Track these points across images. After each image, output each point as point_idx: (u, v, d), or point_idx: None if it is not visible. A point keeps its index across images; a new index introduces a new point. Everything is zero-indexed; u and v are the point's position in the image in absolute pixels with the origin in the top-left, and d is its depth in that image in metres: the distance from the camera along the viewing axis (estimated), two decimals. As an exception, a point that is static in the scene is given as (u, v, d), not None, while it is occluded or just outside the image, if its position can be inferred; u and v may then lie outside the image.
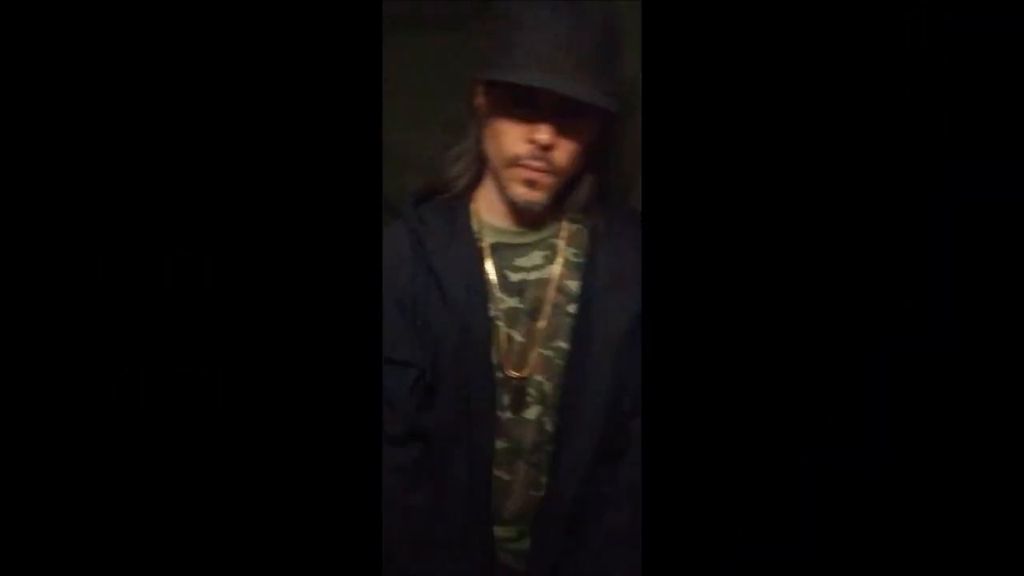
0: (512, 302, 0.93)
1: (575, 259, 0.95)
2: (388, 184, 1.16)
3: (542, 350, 0.93)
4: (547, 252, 0.95)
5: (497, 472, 0.93)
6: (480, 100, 0.92)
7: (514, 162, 0.89)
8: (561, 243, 0.96)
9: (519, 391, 0.92)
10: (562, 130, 0.87)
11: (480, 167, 0.96)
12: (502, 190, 0.92)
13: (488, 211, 0.97)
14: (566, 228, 0.96)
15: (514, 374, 0.92)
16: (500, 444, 0.93)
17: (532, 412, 0.93)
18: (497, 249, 0.95)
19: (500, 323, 0.93)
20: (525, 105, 0.86)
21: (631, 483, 0.94)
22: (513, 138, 0.88)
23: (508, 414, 0.93)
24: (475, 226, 0.96)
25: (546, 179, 0.89)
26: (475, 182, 0.97)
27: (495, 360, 0.92)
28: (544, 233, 0.96)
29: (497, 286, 0.93)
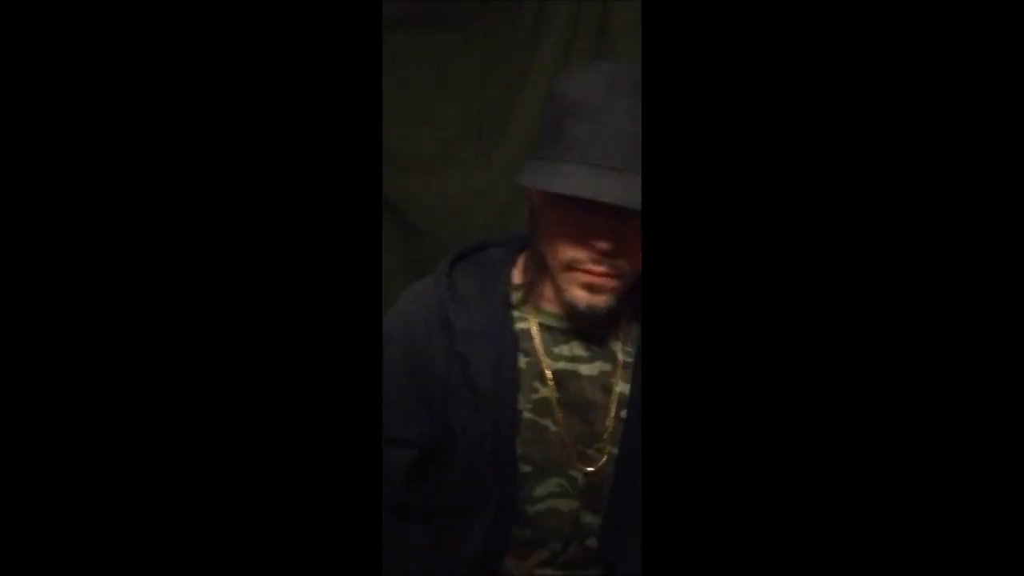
0: (545, 392, 0.85)
1: (626, 358, 0.86)
2: (388, 184, 1.17)
3: (589, 450, 0.86)
4: (594, 346, 0.87)
5: (543, 422, 0.85)
6: (532, 194, 0.84)
7: (573, 266, 0.80)
8: (610, 337, 0.87)
9: (590, 488, 0.85)
10: (625, 232, 0.78)
11: (538, 267, 0.86)
12: (559, 292, 0.83)
13: (536, 302, 0.88)
14: (623, 325, 0.87)
15: (586, 468, 0.85)
16: (543, 393, 0.85)
17: (596, 368, 0.86)
18: (540, 332, 0.86)
19: (532, 416, 0.85)
20: (582, 204, 0.76)
21: None
22: (571, 240, 0.79)
23: (564, 364, 0.86)
24: (516, 309, 0.87)
25: (610, 283, 0.80)
26: (532, 282, 0.87)
27: (522, 453, 0.85)
28: (593, 322, 0.86)
29: (534, 374, 0.85)
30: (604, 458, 0.85)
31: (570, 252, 0.79)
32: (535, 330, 0.86)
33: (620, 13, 1.18)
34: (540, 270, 0.85)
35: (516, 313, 0.87)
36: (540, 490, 0.85)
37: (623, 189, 0.73)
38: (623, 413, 0.85)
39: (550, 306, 0.87)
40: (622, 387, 0.86)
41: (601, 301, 0.80)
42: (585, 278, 0.80)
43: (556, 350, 0.86)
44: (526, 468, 0.85)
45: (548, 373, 0.85)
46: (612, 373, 0.86)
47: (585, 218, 0.77)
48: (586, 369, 0.86)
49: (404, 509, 0.88)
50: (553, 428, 0.85)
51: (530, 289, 0.87)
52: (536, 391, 0.85)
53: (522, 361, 0.85)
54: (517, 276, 0.89)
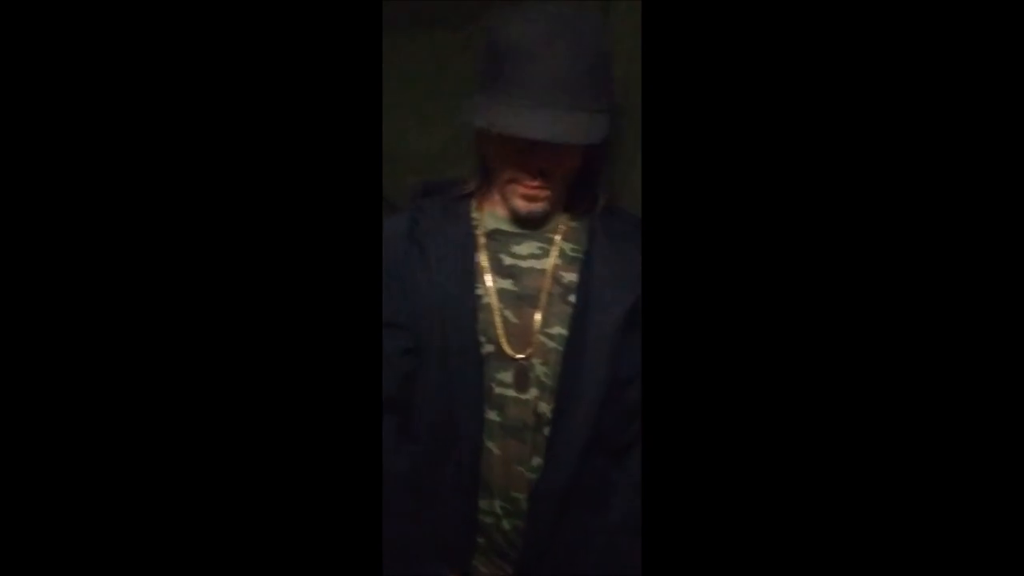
0: (505, 284, 0.97)
1: (572, 254, 0.99)
2: (388, 184, 1.17)
3: (540, 336, 0.96)
4: (543, 244, 1.00)
5: (488, 444, 0.95)
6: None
7: (512, 181, 0.95)
8: (558, 238, 1.00)
9: (522, 371, 0.95)
10: (556, 155, 0.92)
11: (484, 177, 1.01)
12: (504, 198, 0.98)
13: (490, 207, 1.01)
14: (564, 224, 1.00)
15: (517, 355, 0.95)
16: (492, 416, 0.95)
17: (530, 393, 0.95)
18: (493, 236, 1.00)
19: (491, 302, 0.96)
20: (519, 139, 0.89)
21: (633, 469, 0.96)
22: (510, 163, 0.94)
23: (510, 391, 0.95)
24: (474, 216, 1.01)
25: (543, 193, 0.96)
26: (480, 187, 1.02)
27: (485, 338, 0.95)
28: (542, 230, 1.00)
29: (489, 268, 0.98)
30: (552, 342, 0.96)
31: (511, 172, 0.95)
32: (487, 234, 1.00)
33: (620, 13, 1.18)
34: (490, 184, 1.01)
35: (475, 218, 1.01)
36: (501, 376, 0.96)
37: (555, 125, 0.87)
38: (570, 297, 0.97)
39: (499, 218, 1.01)
40: (570, 277, 0.98)
41: (538, 207, 0.96)
42: (523, 190, 0.95)
43: (513, 248, 0.99)
44: (488, 348, 0.96)
45: (505, 265, 0.99)
46: (561, 266, 0.99)
47: (523, 146, 0.91)
48: (539, 264, 0.99)
49: (393, 402, 0.96)
50: (515, 320, 0.97)
51: (483, 199, 1.02)
52: (497, 282, 0.98)
53: (481, 258, 0.99)
54: (475, 200, 1.03)
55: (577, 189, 1.00)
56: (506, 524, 0.96)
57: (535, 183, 0.94)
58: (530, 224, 0.99)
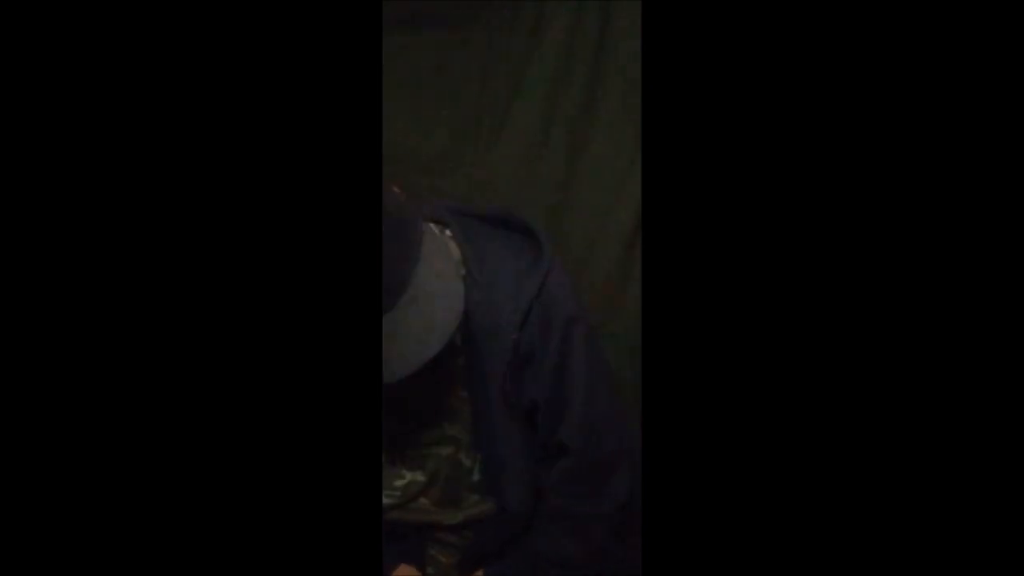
0: None
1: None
2: (388, 184, 1.16)
3: (444, 401, 0.95)
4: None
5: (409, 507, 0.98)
6: None
7: None
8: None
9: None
10: None
11: None
12: None
13: None
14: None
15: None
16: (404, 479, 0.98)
17: (441, 450, 0.96)
18: None
19: None
20: None
21: (561, 472, 0.96)
22: None
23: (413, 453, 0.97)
24: None
25: None
26: None
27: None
28: None
29: None
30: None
31: None
32: None
33: (620, 13, 1.18)
34: None
35: None
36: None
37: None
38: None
39: None
40: (468, 462, 0.97)
41: None
42: None
43: None
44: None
45: None
46: (455, 453, 0.96)
47: None
48: None
49: None
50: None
51: None
52: None
53: None
54: None
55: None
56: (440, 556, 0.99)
57: None
58: None
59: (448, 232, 0.96)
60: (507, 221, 0.99)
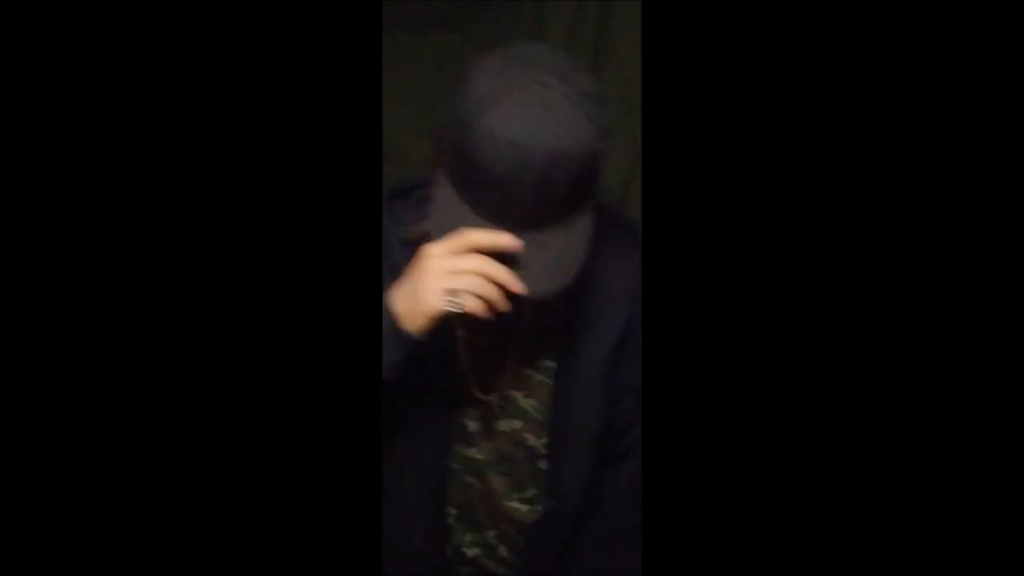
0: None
1: (538, 415, 0.92)
2: (388, 184, 1.17)
3: (525, 368, 0.90)
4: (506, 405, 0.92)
5: (468, 479, 0.92)
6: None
7: None
8: (518, 394, 0.91)
9: (489, 411, 0.90)
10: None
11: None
12: None
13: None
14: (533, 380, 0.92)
15: (482, 396, 0.89)
16: (470, 453, 0.91)
17: (507, 425, 0.91)
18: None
19: (460, 335, 0.88)
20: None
21: (632, 482, 0.93)
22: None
23: (480, 427, 0.91)
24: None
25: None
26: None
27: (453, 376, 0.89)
28: None
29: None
30: (539, 375, 0.90)
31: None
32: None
33: (620, 13, 1.18)
34: None
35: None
36: (471, 414, 0.90)
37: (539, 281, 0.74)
38: (541, 325, 0.88)
39: None
40: (534, 441, 0.91)
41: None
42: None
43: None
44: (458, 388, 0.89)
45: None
46: (522, 429, 0.91)
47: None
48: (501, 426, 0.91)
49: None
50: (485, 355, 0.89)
51: None
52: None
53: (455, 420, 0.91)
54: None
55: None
56: (503, 550, 0.94)
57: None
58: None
59: None
60: (610, 213, 0.92)
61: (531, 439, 0.91)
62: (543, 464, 0.91)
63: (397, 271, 0.80)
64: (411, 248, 0.80)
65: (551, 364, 0.89)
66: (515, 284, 0.73)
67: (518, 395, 0.90)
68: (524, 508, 0.92)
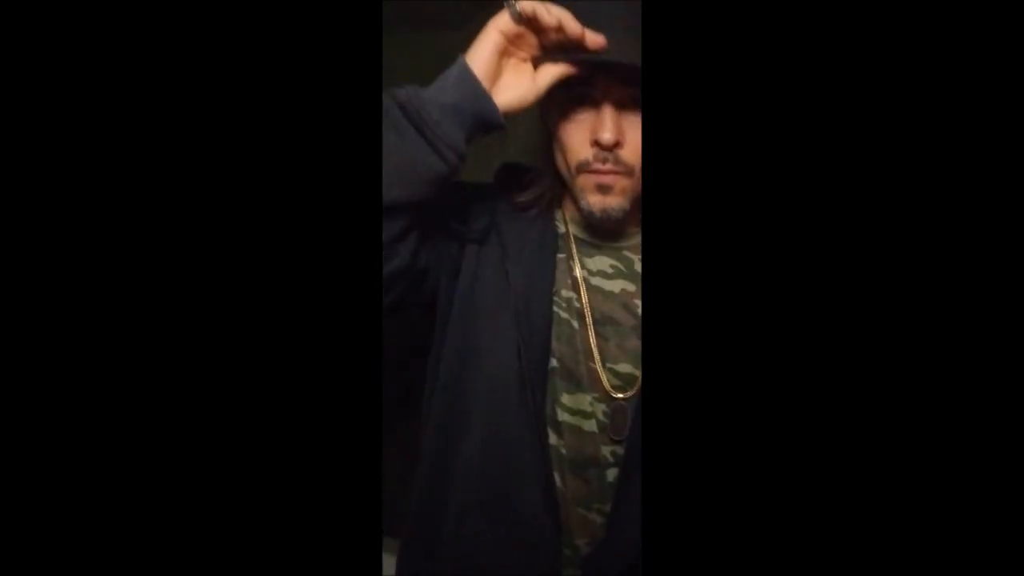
0: (577, 299, 0.87)
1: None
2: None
3: (604, 373, 0.87)
4: (617, 264, 0.89)
5: (553, 474, 0.86)
6: (546, 112, 0.88)
7: (583, 169, 0.84)
8: (636, 258, 0.89)
9: (616, 410, 0.86)
10: (627, 125, 0.82)
11: (557, 187, 0.91)
12: (579, 206, 0.86)
13: (572, 223, 0.91)
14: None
15: (615, 394, 0.85)
16: (554, 443, 0.86)
17: (591, 424, 0.87)
18: (577, 242, 0.90)
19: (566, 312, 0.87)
20: (586, 102, 0.82)
21: None
22: (578, 143, 0.83)
23: (575, 419, 0.86)
24: (555, 218, 0.91)
25: (620, 181, 0.83)
26: (554, 202, 0.92)
27: (562, 352, 0.86)
28: (621, 242, 0.90)
29: (583, 284, 0.88)
30: (633, 390, 0.86)
31: (579, 155, 0.83)
32: (571, 234, 0.90)
33: (620, 13, 1.18)
34: (562, 186, 0.90)
35: (557, 216, 0.91)
36: (567, 400, 0.86)
37: (619, 54, 0.77)
38: (636, 329, 0.86)
39: (576, 217, 0.90)
40: (639, 304, 0.87)
41: (614, 203, 0.83)
42: (595, 179, 0.83)
43: (586, 261, 0.89)
44: (554, 364, 0.86)
45: (579, 278, 0.88)
46: (635, 293, 0.87)
47: (587, 116, 0.82)
48: (609, 286, 0.88)
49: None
50: (579, 340, 0.86)
51: (556, 202, 0.91)
52: (568, 297, 0.88)
53: (560, 260, 0.88)
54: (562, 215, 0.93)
55: None
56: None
57: (608, 166, 0.82)
58: (608, 228, 0.87)
59: None
60: None
61: (603, 449, 0.86)
62: (613, 475, 0.86)
63: (507, 256, 0.86)
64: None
65: (633, 372, 0.86)
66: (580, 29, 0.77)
67: (592, 397, 0.87)
68: (599, 521, 0.86)
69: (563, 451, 0.86)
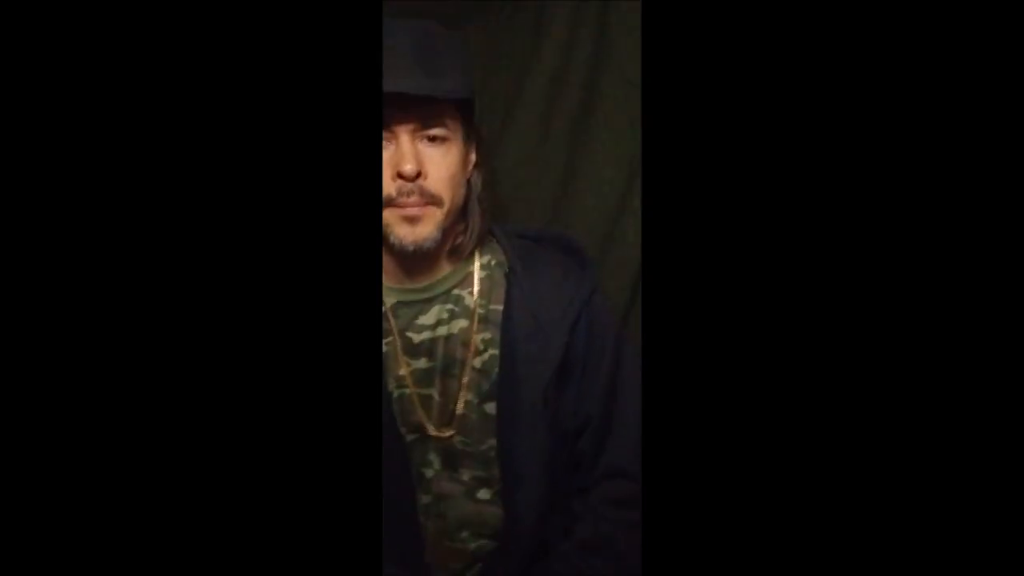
0: (419, 364, 0.90)
1: (482, 310, 0.91)
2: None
3: (466, 412, 0.90)
4: (451, 306, 0.91)
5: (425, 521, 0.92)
6: None
7: (388, 203, 0.84)
8: (466, 294, 0.91)
9: (448, 450, 0.91)
10: (427, 156, 0.84)
11: None
12: (389, 244, 0.86)
13: (385, 275, 0.91)
14: (474, 274, 0.92)
15: (438, 433, 0.90)
16: (425, 499, 0.91)
17: (466, 474, 0.91)
18: (396, 309, 0.91)
19: (408, 388, 0.90)
20: (384, 138, 0.83)
21: (602, 497, 0.92)
22: (383, 180, 0.83)
23: (433, 471, 0.91)
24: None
25: (427, 211, 0.84)
26: None
27: (407, 428, 0.90)
28: (447, 284, 0.92)
29: (401, 349, 0.90)
30: (459, 413, 0.90)
31: (384, 191, 0.83)
32: (390, 308, 0.90)
33: (620, 13, 1.18)
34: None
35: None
36: (430, 459, 0.90)
37: (410, 84, 0.79)
38: (477, 363, 0.89)
39: (396, 280, 0.90)
40: (478, 338, 0.90)
41: (424, 232, 0.84)
42: (400, 212, 0.83)
43: (419, 321, 0.90)
44: (412, 437, 0.90)
45: (416, 344, 0.90)
46: (469, 328, 0.90)
47: (387, 152, 0.82)
48: (447, 330, 0.90)
49: None
50: (437, 398, 0.90)
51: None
52: (408, 365, 0.90)
53: (384, 343, 0.89)
54: None
55: (469, 222, 0.90)
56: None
57: (413, 199, 0.83)
58: (425, 268, 0.89)
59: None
60: (553, 239, 0.98)
61: (475, 337, 0.90)
62: (477, 362, 0.90)
63: None
64: None
65: (490, 411, 0.90)
66: None
67: (459, 440, 0.90)
68: (472, 546, 0.92)
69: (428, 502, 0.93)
